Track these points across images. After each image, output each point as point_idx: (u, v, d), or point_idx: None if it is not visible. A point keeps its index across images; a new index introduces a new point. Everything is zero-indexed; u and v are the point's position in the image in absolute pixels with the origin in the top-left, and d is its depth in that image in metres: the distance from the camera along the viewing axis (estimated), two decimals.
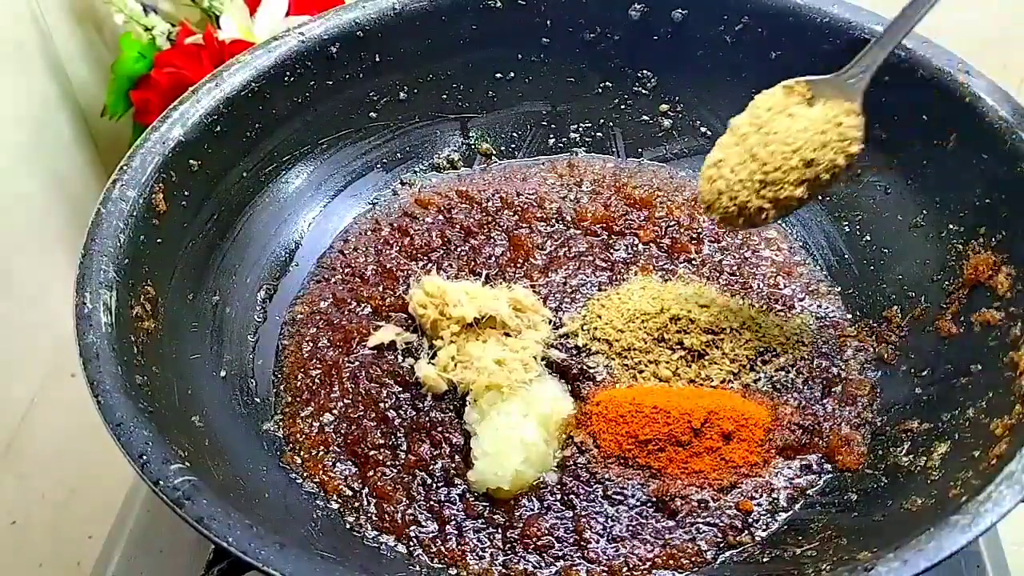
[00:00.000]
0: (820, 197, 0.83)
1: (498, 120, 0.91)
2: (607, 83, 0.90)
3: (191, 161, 0.73)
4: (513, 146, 0.92)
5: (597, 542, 0.65)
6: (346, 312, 0.79)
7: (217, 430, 0.65)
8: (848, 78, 0.69)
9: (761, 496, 0.67)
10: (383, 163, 0.89)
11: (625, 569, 0.63)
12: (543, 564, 0.64)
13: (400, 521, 0.66)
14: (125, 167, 0.69)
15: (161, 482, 0.54)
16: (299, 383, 0.74)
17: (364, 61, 0.84)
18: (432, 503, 0.67)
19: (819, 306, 0.78)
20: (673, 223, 0.85)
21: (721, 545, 0.64)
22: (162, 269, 0.69)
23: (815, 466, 0.68)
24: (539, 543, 0.64)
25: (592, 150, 0.92)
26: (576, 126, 0.92)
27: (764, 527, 0.65)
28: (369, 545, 0.65)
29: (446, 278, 0.79)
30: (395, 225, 0.86)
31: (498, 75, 0.90)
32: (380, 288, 0.80)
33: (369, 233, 0.85)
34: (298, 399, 0.73)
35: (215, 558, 0.68)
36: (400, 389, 0.73)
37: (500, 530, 0.65)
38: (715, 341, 0.73)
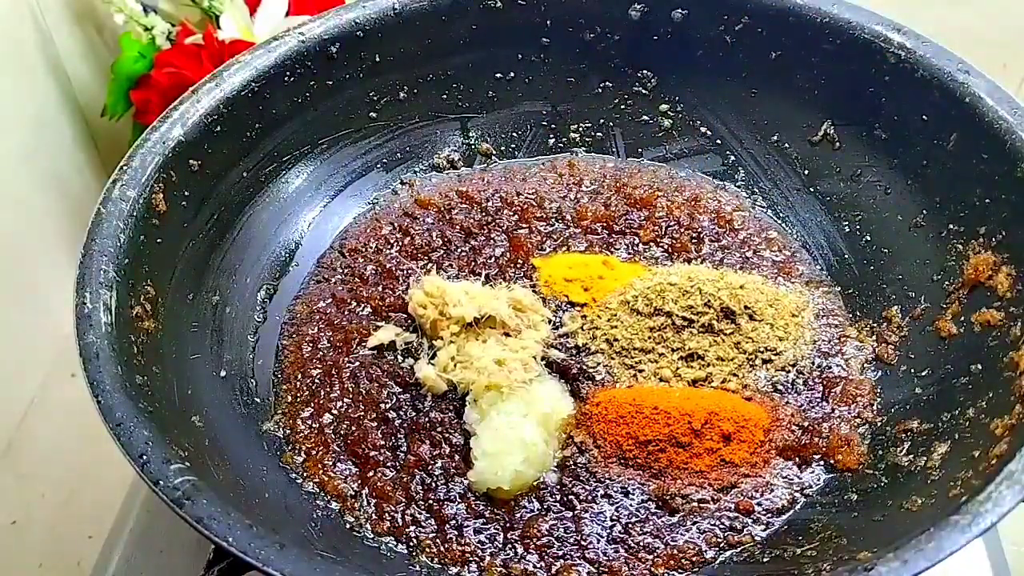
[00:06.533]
0: (820, 196, 0.83)
1: (498, 120, 0.91)
2: (607, 83, 0.90)
3: (191, 161, 0.73)
4: (513, 146, 0.92)
5: (597, 542, 0.65)
6: (346, 312, 0.79)
7: (217, 430, 0.65)
8: None
9: (761, 496, 0.67)
10: (383, 163, 0.89)
11: (625, 569, 0.63)
12: (543, 564, 0.64)
13: (400, 521, 0.66)
14: (125, 167, 0.69)
15: (161, 482, 0.54)
16: (299, 383, 0.74)
17: (364, 61, 0.84)
18: (432, 503, 0.67)
19: (819, 306, 0.78)
20: (673, 223, 0.85)
21: (721, 545, 0.64)
22: (162, 269, 0.69)
23: (815, 466, 0.68)
24: (539, 543, 0.64)
25: (592, 150, 0.92)
26: (576, 126, 0.92)
27: (764, 527, 0.65)
28: (369, 545, 0.65)
29: (446, 278, 0.79)
30: (395, 225, 0.86)
31: (498, 75, 0.90)
32: (380, 288, 0.80)
33: (369, 233, 0.85)
34: (298, 399, 0.73)
35: (215, 558, 0.68)
36: (400, 389, 0.73)
37: (500, 530, 0.65)
38: (715, 341, 0.73)
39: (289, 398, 0.73)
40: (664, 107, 0.90)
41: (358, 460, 0.69)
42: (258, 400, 0.73)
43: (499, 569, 0.63)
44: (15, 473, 0.91)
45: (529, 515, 0.66)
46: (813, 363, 0.74)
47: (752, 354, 0.73)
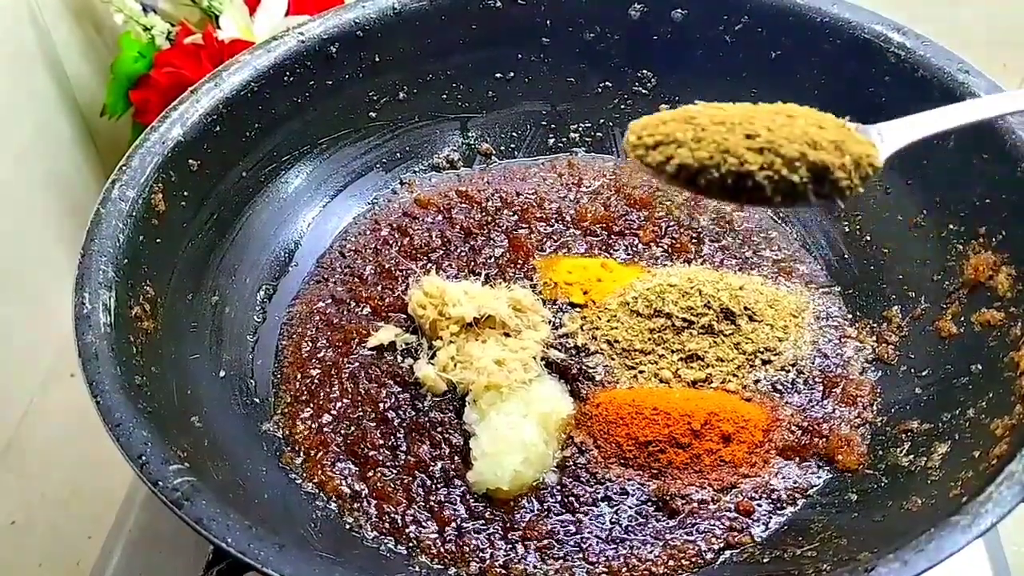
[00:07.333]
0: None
1: (498, 120, 0.91)
2: (607, 83, 0.90)
3: (190, 161, 0.73)
4: (513, 146, 0.92)
5: (597, 543, 0.64)
6: (345, 312, 0.79)
7: (216, 430, 0.65)
8: (878, 131, 0.56)
9: (761, 496, 0.67)
10: (383, 163, 0.89)
11: (625, 570, 0.63)
12: (543, 564, 0.64)
13: (400, 521, 0.66)
14: (124, 167, 0.69)
15: (160, 482, 0.54)
16: (298, 383, 0.74)
17: (364, 61, 0.84)
18: (432, 503, 0.67)
19: (819, 306, 0.78)
20: (673, 223, 0.84)
21: (721, 545, 0.64)
22: (161, 269, 0.69)
23: (815, 466, 0.68)
24: (539, 544, 0.64)
25: (592, 150, 0.92)
26: (576, 126, 0.92)
27: (764, 527, 0.65)
28: (369, 545, 0.65)
29: (446, 278, 0.79)
30: (394, 225, 0.86)
31: (498, 75, 0.90)
32: (379, 288, 0.80)
33: (369, 233, 0.85)
34: (297, 399, 0.73)
35: (214, 559, 0.68)
36: (399, 389, 0.73)
37: (500, 530, 0.65)
38: (715, 342, 0.73)
39: (288, 398, 0.73)
40: (664, 107, 0.89)
41: (358, 460, 0.69)
42: (257, 400, 0.73)
43: (499, 570, 0.63)
44: (15, 473, 0.91)
45: (529, 516, 0.66)
46: (813, 363, 0.74)
47: (752, 355, 0.73)
